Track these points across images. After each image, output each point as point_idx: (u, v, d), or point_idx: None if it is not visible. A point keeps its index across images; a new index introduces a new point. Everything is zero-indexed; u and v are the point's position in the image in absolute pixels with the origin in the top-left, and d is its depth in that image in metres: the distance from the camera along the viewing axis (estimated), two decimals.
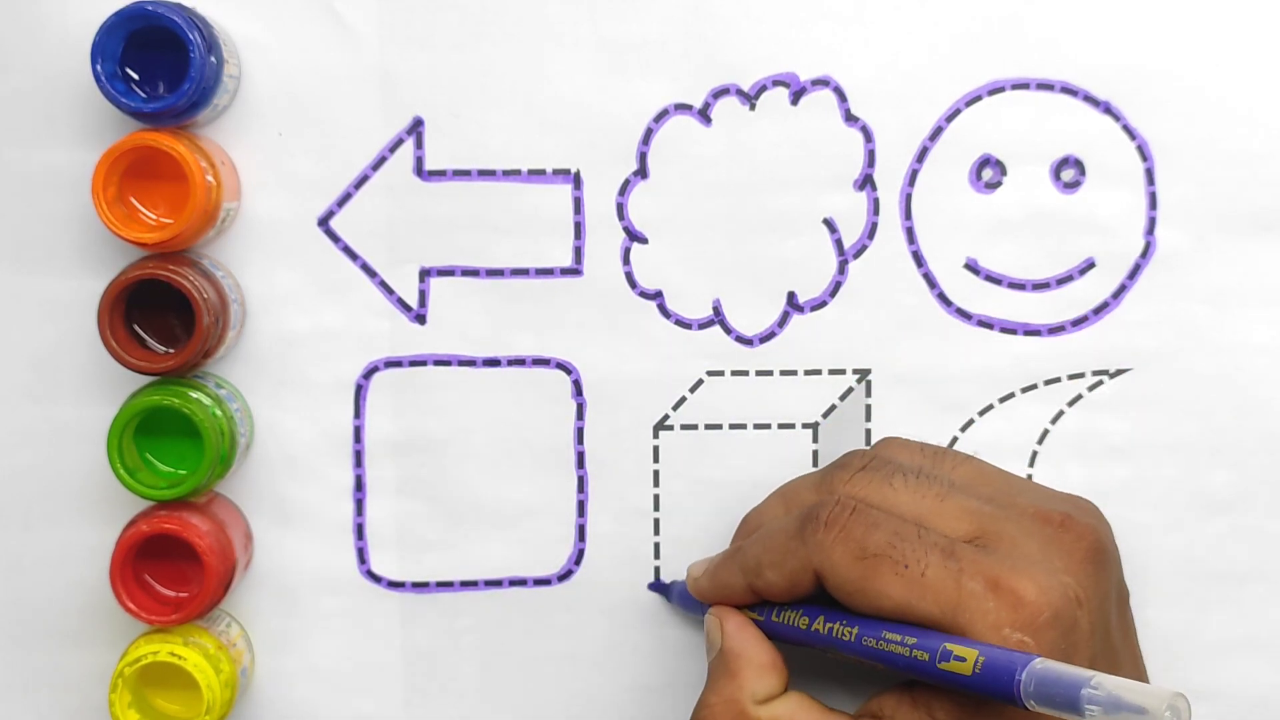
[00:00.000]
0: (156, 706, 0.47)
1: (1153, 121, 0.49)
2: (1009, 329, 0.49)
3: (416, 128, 0.48)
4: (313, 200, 0.48)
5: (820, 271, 0.49)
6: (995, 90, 0.49)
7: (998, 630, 0.39)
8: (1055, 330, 0.49)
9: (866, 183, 0.49)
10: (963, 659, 0.38)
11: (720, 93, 0.48)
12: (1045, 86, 0.49)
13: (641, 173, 0.49)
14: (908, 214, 0.49)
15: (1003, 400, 0.49)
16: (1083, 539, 0.42)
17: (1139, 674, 0.44)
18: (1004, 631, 0.39)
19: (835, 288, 0.49)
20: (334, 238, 0.48)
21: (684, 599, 0.48)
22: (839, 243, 0.49)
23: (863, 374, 0.49)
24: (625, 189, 0.49)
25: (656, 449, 0.49)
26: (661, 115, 0.48)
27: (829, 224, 0.49)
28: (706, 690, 0.44)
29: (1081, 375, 0.49)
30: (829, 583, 0.41)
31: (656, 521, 0.50)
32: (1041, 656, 0.37)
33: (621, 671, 0.50)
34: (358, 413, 0.49)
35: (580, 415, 0.49)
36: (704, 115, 0.49)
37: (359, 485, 0.49)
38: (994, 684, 0.37)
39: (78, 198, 0.47)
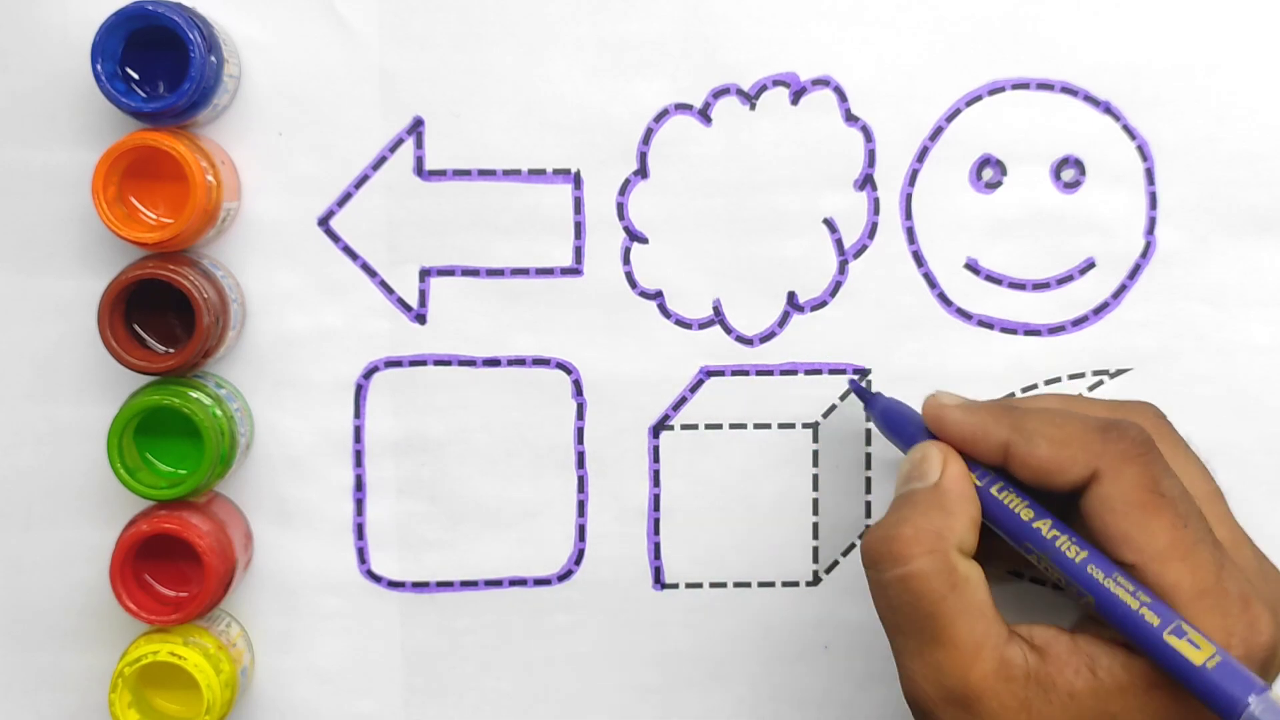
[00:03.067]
0: (156, 706, 0.47)
1: (1153, 121, 0.49)
2: (1009, 329, 0.49)
3: (416, 127, 0.48)
4: (313, 200, 0.48)
5: (820, 271, 0.49)
6: (995, 90, 0.49)
7: (1227, 635, 0.38)
8: (1055, 330, 0.49)
9: (867, 182, 0.49)
10: (1197, 646, 0.37)
11: (720, 93, 0.48)
12: (1045, 86, 0.49)
13: (641, 173, 0.49)
14: (908, 214, 0.49)
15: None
16: None
17: None
18: (1232, 641, 0.38)
19: (835, 288, 0.49)
20: (334, 238, 0.48)
21: (889, 417, 0.46)
22: (839, 243, 0.49)
23: (863, 374, 0.49)
24: (625, 189, 0.49)
25: (656, 449, 0.49)
26: (661, 115, 0.48)
27: (829, 224, 0.49)
28: (911, 512, 0.41)
29: (1081, 375, 0.49)
30: (1102, 490, 0.39)
31: (656, 521, 0.50)
32: (1269, 688, 0.37)
33: (621, 671, 0.50)
34: (358, 413, 0.49)
35: (580, 415, 0.49)
36: (704, 115, 0.49)
37: (359, 485, 0.49)
38: (1218, 688, 0.36)
39: (78, 198, 0.47)
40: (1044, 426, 0.41)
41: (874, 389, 0.49)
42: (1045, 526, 0.40)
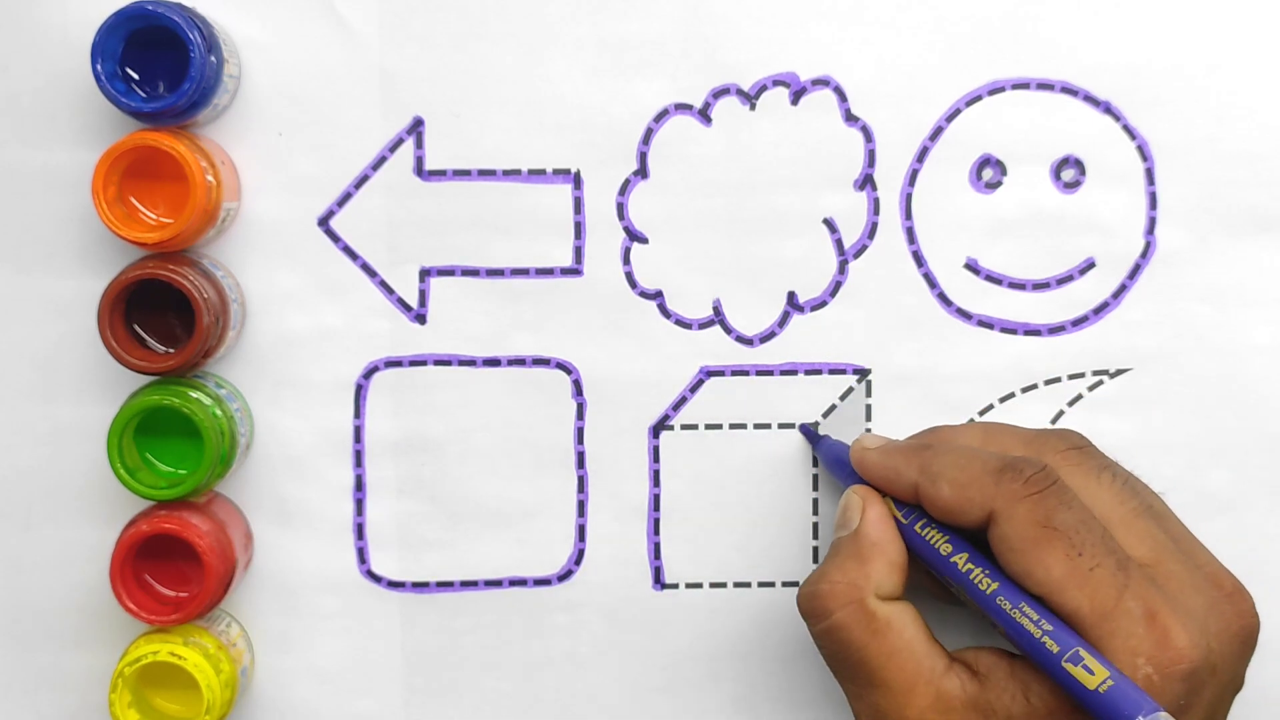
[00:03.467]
0: (156, 706, 0.47)
1: (1153, 121, 0.49)
2: (1009, 329, 0.49)
3: (416, 127, 0.48)
4: (313, 200, 0.48)
5: (820, 271, 0.49)
6: (995, 90, 0.49)
7: (1133, 656, 0.39)
8: (1055, 330, 0.49)
9: (867, 182, 0.49)
10: (1092, 671, 0.38)
11: (720, 93, 0.48)
12: (1045, 86, 0.49)
13: (641, 173, 0.49)
14: (908, 214, 0.49)
15: (1003, 400, 0.49)
16: (1242, 617, 0.42)
17: None
18: (1138, 661, 0.39)
19: (835, 288, 0.49)
20: (334, 238, 0.48)
21: (832, 458, 0.48)
22: (839, 243, 0.49)
23: (863, 374, 0.49)
24: (625, 189, 0.49)
25: (656, 449, 0.49)
26: (661, 115, 0.48)
27: (829, 224, 0.49)
28: (830, 566, 0.43)
29: (1081, 375, 0.49)
30: (998, 530, 0.41)
31: (656, 521, 0.50)
32: (1165, 711, 0.37)
33: (621, 671, 0.50)
34: (358, 413, 0.49)
35: (580, 415, 0.49)
36: (704, 115, 0.49)
37: (359, 485, 0.49)
38: (1110, 712, 0.37)
39: (78, 198, 0.47)
40: (947, 469, 0.42)
41: (874, 389, 0.49)
42: (961, 560, 0.42)
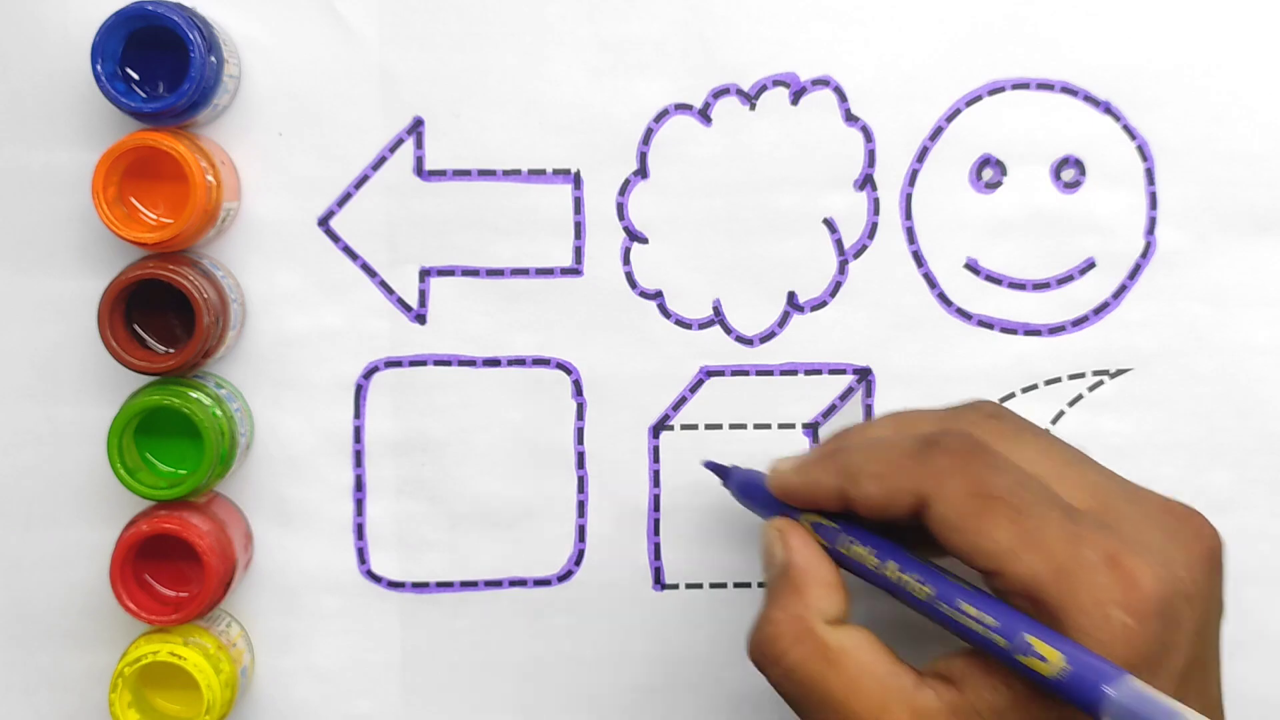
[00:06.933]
0: (156, 706, 0.47)
1: (1153, 121, 0.49)
2: (1009, 329, 0.49)
3: (416, 128, 0.48)
4: (313, 200, 0.48)
5: (820, 271, 0.49)
6: (995, 90, 0.49)
7: (1102, 606, 0.37)
8: (1055, 330, 0.49)
9: (867, 183, 0.49)
10: (1045, 659, 0.36)
11: (720, 93, 0.48)
12: (1045, 86, 0.49)
13: (641, 173, 0.49)
14: (908, 214, 0.49)
15: (1003, 400, 0.49)
16: (1203, 538, 0.40)
17: (1219, 700, 0.41)
18: (1109, 609, 0.37)
19: (835, 288, 0.49)
20: (334, 238, 0.48)
21: (746, 490, 0.46)
22: (839, 243, 0.49)
23: (863, 374, 0.49)
24: (625, 189, 0.49)
25: (656, 449, 0.49)
26: (661, 115, 0.48)
27: (829, 224, 0.49)
28: (770, 606, 0.41)
29: (1082, 375, 0.49)
30: (933, 511, 0.39)
31: (656, 522, 0.50)
32: (1132, 676, 0.35)
33: (621, 672, 0.50)
34: (358, 413, 0.49)
35: (580, 415, 0.49)
36: (704, 115, 0.49)
37: (359, 485, 0.49)
38: (1076, 694, 0.36)
39: (78, 198, 0.47)
40: (867, 464, 0.41)
41: (874, 389, 0.49)
42: (892, 570, 0.40)
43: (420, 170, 0.48)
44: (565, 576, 0.50)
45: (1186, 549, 0.39)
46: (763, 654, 0.41)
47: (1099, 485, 0.40)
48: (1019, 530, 0.37)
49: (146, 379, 0.48)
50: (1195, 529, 0.40)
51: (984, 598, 0.38)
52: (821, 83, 0.49)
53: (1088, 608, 0.37)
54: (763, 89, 0.48)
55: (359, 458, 0.49)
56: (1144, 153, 0.49)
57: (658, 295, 0.49)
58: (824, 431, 0.49)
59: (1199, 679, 0.39)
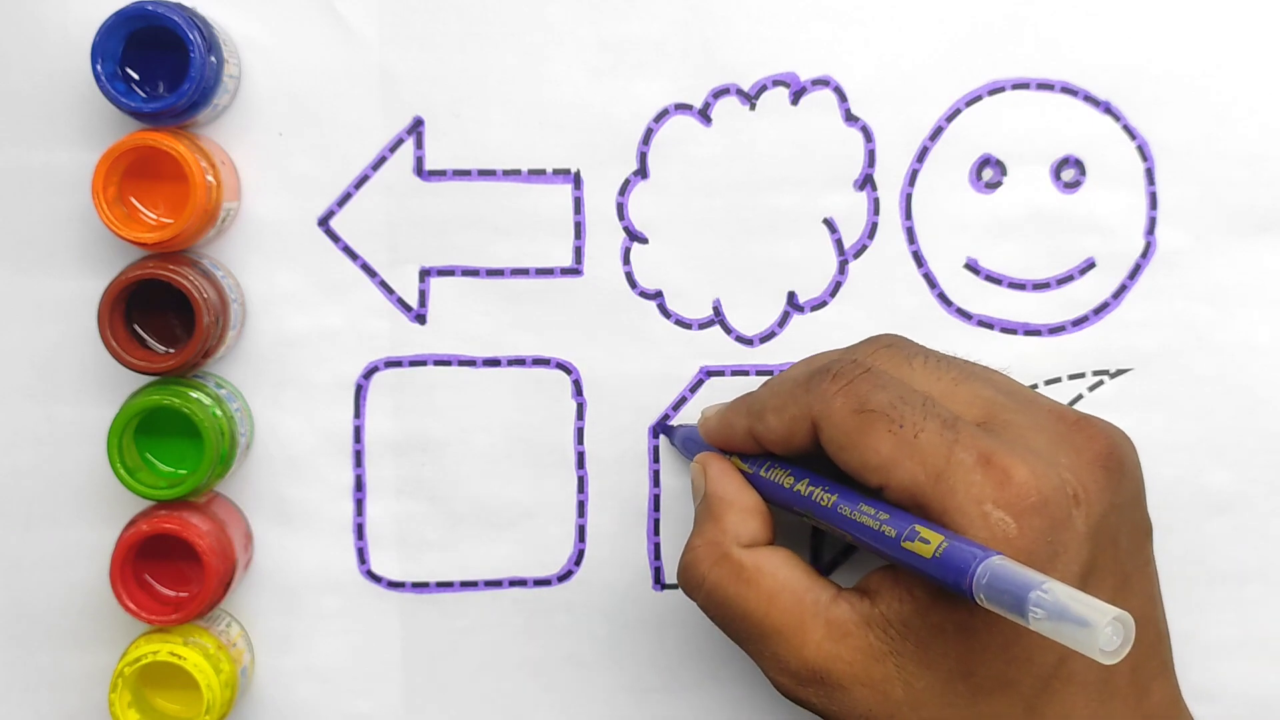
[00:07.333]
0: (156, 706, 0.47)
1: (1153, 121, 0.49)
2: (1009, 329, 0.49)
3: (416, 127, 0.48)
4: (313, 200, 0.48)
5: (820, 271, 0.49)
6: (995, 90, 0.49)
7: (979, 504, 0.38)
8: (1055, 330, 0.49)
9: (867, 183, 0.49)
10: (927, 541, 0.37)
11: (720, 93, 0.48)
12: (1045, 86, 0.49)
13: (641, 173, 0.49)
14: (908, 214, 0.49)
15: None
16: (1095, 441, 0.41)
17: (1151, 611, 0.42)
18: (985, 507, 0.37)
19: (835, 288, 0.49)
20: (334, 238, 0.48)
21: (686, 443, 0.48)
22: (839, 243, 0.49)
23: None
24: (625, 189, 0.49)
25: (656, 449, 0.49)
26: (661, 115, 0.48)
27: (829, 224, 0.49)
28: (692, 535, 0.44)
29: (1082, 375, 0.49)
30: (823, 434, 0.41)
31: (656, 522, 0.50)
32: (1003, 555, 0.36)
33: (621, 672, 0.50)
34: (358, 413, 0.49)
35: (580, 415, 0.49)
36: (704, 115, 0.49)
37: (359, 485, 0.49)
38: (949, 572, 0.36)
39: (78, 198, 0.47)
40: (768, 399, 0.43)
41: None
42: (803, 486, 0.42)
43: (420, 170, 0.48)
44: (565, 576, 0.50)
45: (1075, 452, 0.40)
46: (686, 580, 0.43)
47: (990, 399, 0.41)
48: (897, 441, 0.39)
49: (146, 379, 0.48)
50: (1086, 433, 0.41)
51: (883, 504, 0.39)
52: (821, 83, 0.48)
53: (965, 507, 0.38)
54: (763, 89, 0.48)
55: (359, 458, 0.49)
56: (1144, 153, 0.49)
57: (658, 295, 0.49)
58: None
59: (1109, 588, 0.39)
